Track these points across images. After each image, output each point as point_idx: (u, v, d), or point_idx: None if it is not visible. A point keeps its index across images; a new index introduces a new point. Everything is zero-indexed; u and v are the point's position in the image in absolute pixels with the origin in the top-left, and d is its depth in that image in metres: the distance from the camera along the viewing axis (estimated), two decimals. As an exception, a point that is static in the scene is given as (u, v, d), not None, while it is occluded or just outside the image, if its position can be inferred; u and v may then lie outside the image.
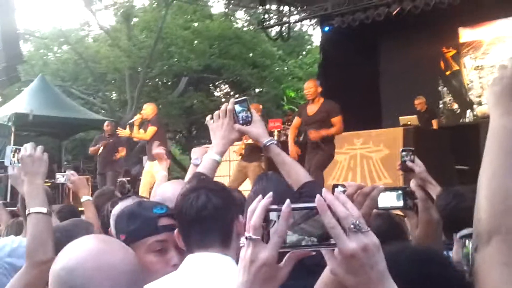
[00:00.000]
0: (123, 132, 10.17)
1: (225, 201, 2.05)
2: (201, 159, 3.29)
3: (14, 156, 2.78)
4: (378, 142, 8.98)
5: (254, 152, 9.39)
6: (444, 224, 3.06)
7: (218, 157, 2.73)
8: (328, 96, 13.72)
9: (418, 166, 3.23)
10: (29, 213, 2.42)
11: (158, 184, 4.08)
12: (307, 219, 1.18)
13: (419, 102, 11.58)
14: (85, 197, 4.28)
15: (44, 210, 2.42)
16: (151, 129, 9.76)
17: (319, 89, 8.40)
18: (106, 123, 12.31)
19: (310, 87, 8.39)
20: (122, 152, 11.88)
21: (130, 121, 10.12)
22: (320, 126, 8.02)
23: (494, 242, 1.23)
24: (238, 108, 2.66)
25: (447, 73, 13.70)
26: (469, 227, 2.35)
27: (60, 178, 4.63)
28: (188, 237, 2.04)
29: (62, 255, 1.42)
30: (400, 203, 1.81)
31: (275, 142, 2.68)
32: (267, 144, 2.64)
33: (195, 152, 3.56)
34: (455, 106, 13.66)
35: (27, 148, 2.57)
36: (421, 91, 12.15)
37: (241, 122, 2.65)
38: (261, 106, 10.92)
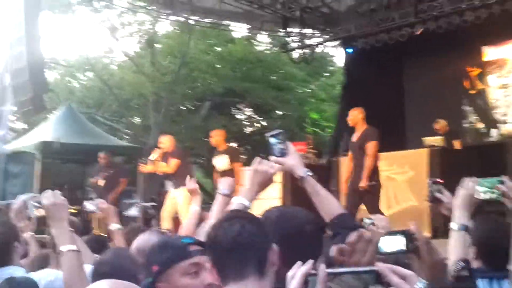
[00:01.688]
0: (147, 168, 10.13)
1: (260, 229, 2.01)
2: (228, 189, 3.30)
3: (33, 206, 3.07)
4: (403, 164, 8.88)
5: None
6: (480, 251, 3.06)
7: (248, 203, 2.74)
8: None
9: (446, 197, 3.21)
10: (62, 252, 2.68)
11: (191, 218, 4.07)
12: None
13: (440, 126, 11.44)
14: (115, 225, 4.26)
15: (74, 247, 2.70)
16: (174, 162, 9.75)
17: (361, 116, 8.86)
18: (101, 155, 12.20)
19: (352, 115, 8.93)
20: (123, 184, 11.84)
21: (151, 158, 10.06)
22: (358, 152, 8.30)
23: None
24: (273, 140, 2.69)
25: (472, 92, 13.55)
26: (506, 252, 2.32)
27: (88, 206, 4.60)
28: (223, 267, 1.98)
29: None
30: (403, 247, 1.79)
31: (311, 174, 2.69)
32: (304, 176, 2.65)
33: (223, 182, 3.54)
34: (480, 125, 13.49)
35: (49, 197, 2.82)
36: (446, 111, 12.04)
37: (277, 154, 2.67)
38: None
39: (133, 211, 4.36)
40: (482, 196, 1.76)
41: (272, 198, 10.59)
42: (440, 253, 2.41)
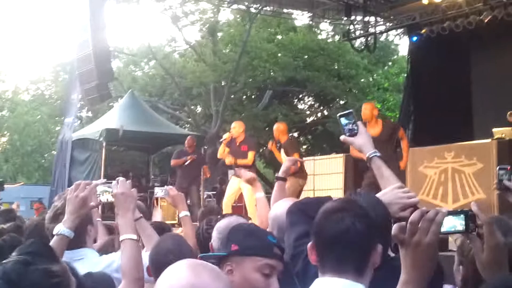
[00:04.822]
0: (228, 160, 9.95)
1: (369, 229, 1.98)
2: (282, 173, 3.62)
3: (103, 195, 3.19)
4: (471, 155, 8.61)
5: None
6: None
7: None
8: (416, 107, 13.53)
9: None
10: (123, 240, 2.77)
11: (262, 207, 4.06)
12: None
13: None
14: (184, 213, 4.27)
15: (135, 237, 2.80)
16: (251, 154, 9.73)
17: (375, 112, 8.95)
18: (190, 138, 12.31)
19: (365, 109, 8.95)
20: (207, 172, 12.05)
21: (221, 140, 10.05)
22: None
23: None
24: (344, 121, 2.74)
25: (543, 81, 13.08)
26: None
27: (159, 192, 4.63)
28: (322, 257, 1.98)
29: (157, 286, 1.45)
30: (462, 227, 1.75)
31: (378, 154, 2.69)
32: (370, 156, 2.67)
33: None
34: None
35: (120, 186, 2.91)
36: (515, 101, 11.65)
37: (347, 134, 2.72)
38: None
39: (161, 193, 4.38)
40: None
41: (334, 189, 10.56)
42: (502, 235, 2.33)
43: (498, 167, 3.23)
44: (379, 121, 8.86)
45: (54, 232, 2.89)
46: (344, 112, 2.78)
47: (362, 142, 2.71)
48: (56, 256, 1.82)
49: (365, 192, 2.63)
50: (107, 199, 3.20)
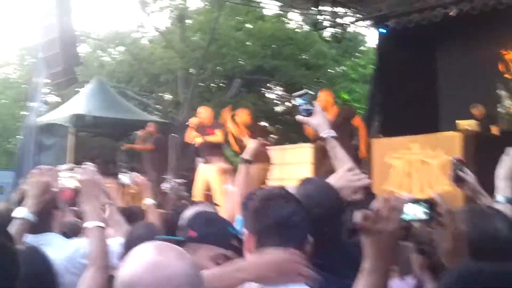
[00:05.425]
0: (198, 141, 9.81)
1: (307, 217, 2.05)
2: (248, 155, 3.65)
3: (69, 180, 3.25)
4: (436, 147, 8.75)
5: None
6: None
7: None
8: (383, 98, 13.65)
9: (470, 176, 3.16)
10: (89, 227, 2.77)
11: (232, 200, 4.08)
12: None
13: (478, 111, 11.24)
14: (149, 200, 4.26)
15: (102, 224, 2.80)
16: (220, 131, 9.66)
17: (330, 98, 9.25)
18: (150, 124, 12.26)
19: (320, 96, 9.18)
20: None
21: (188, 123, 10.01)
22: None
23: None
24: (299, 101, 2.77)
25: (507, 75, 13.31)
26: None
27: (123, 179, 4.60)
28: (263, 243, 2.02)
29: (122, 268, 1.47)
30: (424, 216, 1.79)
31: (333, 135, 2.73)
32: (325, 136, 2.70)
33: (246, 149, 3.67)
34: (515, 110, 13.26)
35: (85, 172, 2.92)
36: (479, 94, 11.85)
37: (303, 114, 2.75)
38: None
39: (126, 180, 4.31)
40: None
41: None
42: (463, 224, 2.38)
43: (452, 158, 3.29)
44: (334, 108, 9.01)
45: (15, 214, 2.87)
46: (300, 93, 2.81)
47: (318, 122, 2.74)
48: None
49: (316, 179, 2.67)
50: (73, 185, 3.19)
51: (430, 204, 1.80)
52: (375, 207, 1.71)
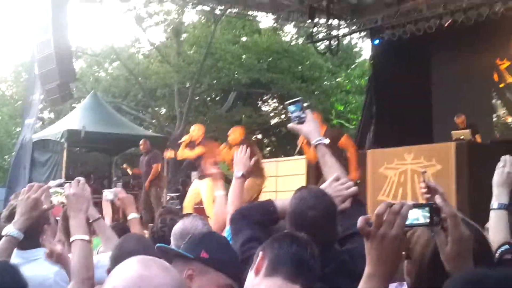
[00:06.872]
0: (169, 154, 10.27)
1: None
2: (242, 170, 3.57)
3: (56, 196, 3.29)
4: (430, 157, 8.76)
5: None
6: None
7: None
8: (378, 109, 13.67)
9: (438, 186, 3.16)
10: (73, 240, 2.76)
11: (220, 204, 4.04)
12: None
13: (461, 121, 11.17)
14: (132, 215, 4.23)
15: (86, 237, 2.78)
16: (198, 149, 9.69)
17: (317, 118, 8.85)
18: (141, 141, 12.39)
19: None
20: (155, 170, 11.95)
21: (180, 141, 10.09)
22: None
23: None
24: (292, 108, 2.79)
25: (501, 85, 13.34)
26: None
27: (108, 195, 4.60)
28: (274, 271, 2.00)
29: (107, 282, 1.45)
30: (427, 220, 1.78)
31: (324, 142, 2.74)
32: (315, 144, 2.72)
33: (237, 164, 3.67)
34: (510, 119, 13.29)
35: (72, 187, 2.90)
36: (474, 104, 11.88)
37: (295, 121, 2.77)
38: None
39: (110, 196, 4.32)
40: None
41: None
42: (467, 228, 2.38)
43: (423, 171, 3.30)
44: (323, 127, 8.64)
45: (3, 233, 2.86)
46: (292, 100, 2.83)
47: (309, 129, 2.75)
48: None
49: (311, 186, 2.69)
50: (58, 201, 3.18)
51: (433, 208, 1.79)
52: (379, 211, 1.71)
